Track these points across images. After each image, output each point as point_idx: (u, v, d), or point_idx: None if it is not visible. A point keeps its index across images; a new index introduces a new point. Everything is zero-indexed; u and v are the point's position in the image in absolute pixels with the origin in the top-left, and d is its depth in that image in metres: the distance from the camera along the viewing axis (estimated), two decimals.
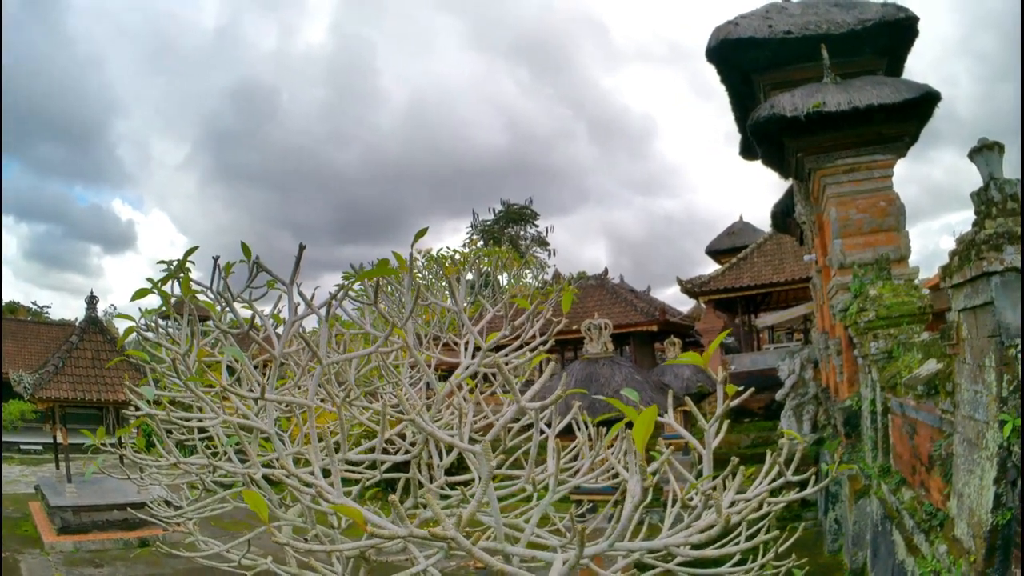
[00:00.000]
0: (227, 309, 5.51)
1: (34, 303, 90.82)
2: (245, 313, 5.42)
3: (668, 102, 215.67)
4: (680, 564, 4.82)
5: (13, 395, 35.69)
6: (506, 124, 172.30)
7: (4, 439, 43.69)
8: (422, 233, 5.39)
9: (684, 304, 54.49)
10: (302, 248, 4.97)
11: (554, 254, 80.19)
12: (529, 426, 5.74)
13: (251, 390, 5.40)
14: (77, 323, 59.46)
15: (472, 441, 5.05)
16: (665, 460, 4.19)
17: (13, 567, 23.74)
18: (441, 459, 6.25)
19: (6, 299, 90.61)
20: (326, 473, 4.84)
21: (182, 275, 5.57)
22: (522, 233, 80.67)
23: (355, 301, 5.93)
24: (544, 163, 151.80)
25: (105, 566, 24.22)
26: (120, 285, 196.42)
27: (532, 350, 5.87)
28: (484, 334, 5.32)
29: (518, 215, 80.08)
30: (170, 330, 6.26)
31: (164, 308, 6.01)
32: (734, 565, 5.10)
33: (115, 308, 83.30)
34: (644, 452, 3.58)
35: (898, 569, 12.06)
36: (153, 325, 6.35)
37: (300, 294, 5.24)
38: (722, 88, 23.00)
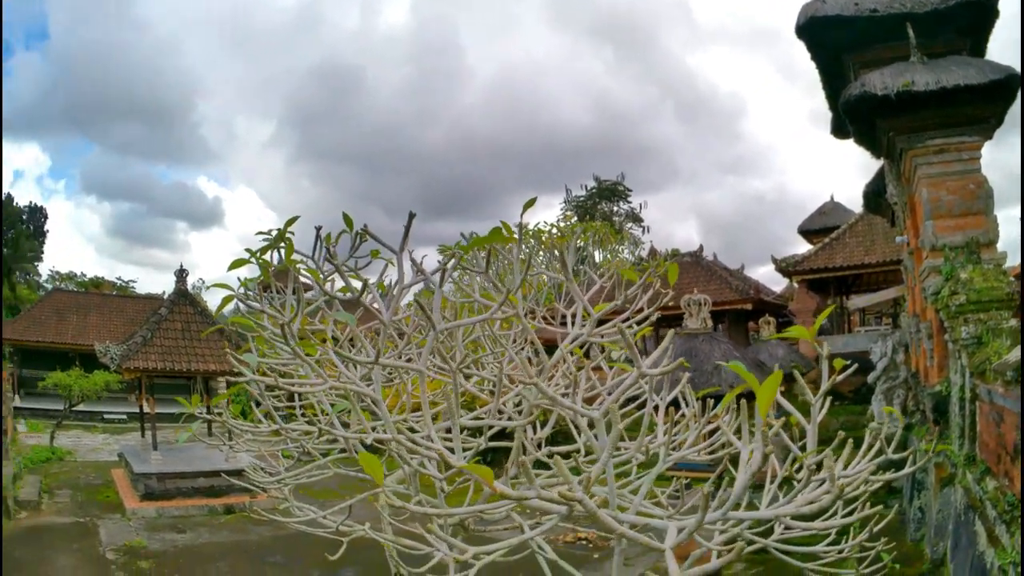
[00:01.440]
0: (333, 277, 5.58)
1: (119, 278, 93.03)
2: (349, 284, 5.47)
3: (754, 82, 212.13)
4: (777, 540, 4.84)
5: (97, 365, 36.80)
6: (593, 102, 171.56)
7: (88, 409, 44.92)
8: (531, 203, 5.46)
9: (776, 284, 54.39)
10: (412, 216, 5.06)
11: (648, 230, 79.72)
12: (630, 400, 5.74)
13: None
14: (164, 296, 60.92)
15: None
16: (776, 430, 4.18)
17: (92, 531, 24.23)
18: (535, 432, 6.26)
19: (90, 274, 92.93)
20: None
21: (283, 244, 5.53)
22: (615, 209, 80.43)
23: (467, 269, 5.93)
24: (633, 141, 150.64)
25: (188, 531, 24.58)
26: (207, 260, 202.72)
27: (639, 322, 5.79)
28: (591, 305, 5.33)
29: (611, 191, 79.86)
30: (270, 299, 6.29)
31: (262, 278, 6.14)
32: (828, 545, 5.12)
33: (203, 282, 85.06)
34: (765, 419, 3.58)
35: (978, 560, 11.80)
36: (252, 294, 6.39)
37: (412, 260, 5.41)
38: (809, 68, 22.71)
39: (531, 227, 65.48)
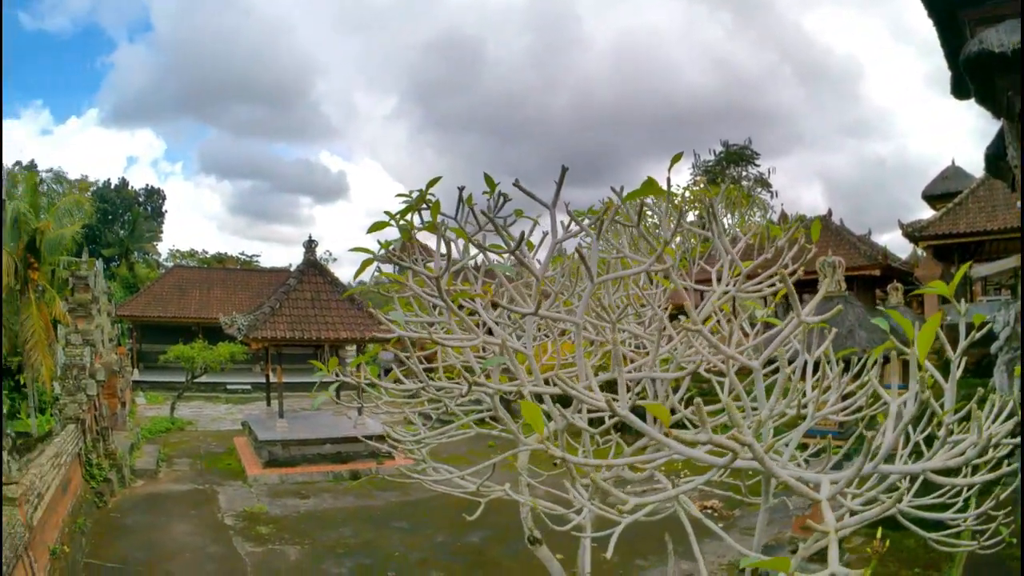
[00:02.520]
0: (475, 236, 5.68)
1: (242, 253, 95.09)
2: (505, 238, 5.43)
3: (868, 44, 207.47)
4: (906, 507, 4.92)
5: (221, 337, 37.73)
6: (714, 67, 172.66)
7: (210, 380, 45.98)
8: (678, 158, 5.37)
9: (900, 252, 53.34)
10: (564, 170, 4.99)
11: (776, 195, 78.53)
12: (770, 361, 5.55)
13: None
14: (290, 269, 61.78)
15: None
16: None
17: (211, 497, 24.78)
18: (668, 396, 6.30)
19: (212, 251, 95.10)
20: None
21: (425, 206, 5.60)
22: (743, 174, 79.43)
23: (621, 224, 6.26)
24: (755, 106, 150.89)
25: (311, 497, 24.89)
26: (333, 233, 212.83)
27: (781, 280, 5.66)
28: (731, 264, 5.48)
29: (738, 156, 79.11)
30: (415, 259, 6.25)
31: (402, 241, 6.11)
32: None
33: (330, 254, 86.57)
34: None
35: None
36: (396, 255, 6.35)
37: (570, 214, 5.40)
38: (921, 29, 22.10)
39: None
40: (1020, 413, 4.84)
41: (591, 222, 5.59)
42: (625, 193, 5.15)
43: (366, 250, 6.12)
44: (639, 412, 4.08)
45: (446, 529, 20.84)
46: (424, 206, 5.65)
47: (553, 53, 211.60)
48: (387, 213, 5.80)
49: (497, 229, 5.38)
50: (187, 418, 40.82)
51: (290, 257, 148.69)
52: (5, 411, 35.62)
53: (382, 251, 6.32)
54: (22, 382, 50.17)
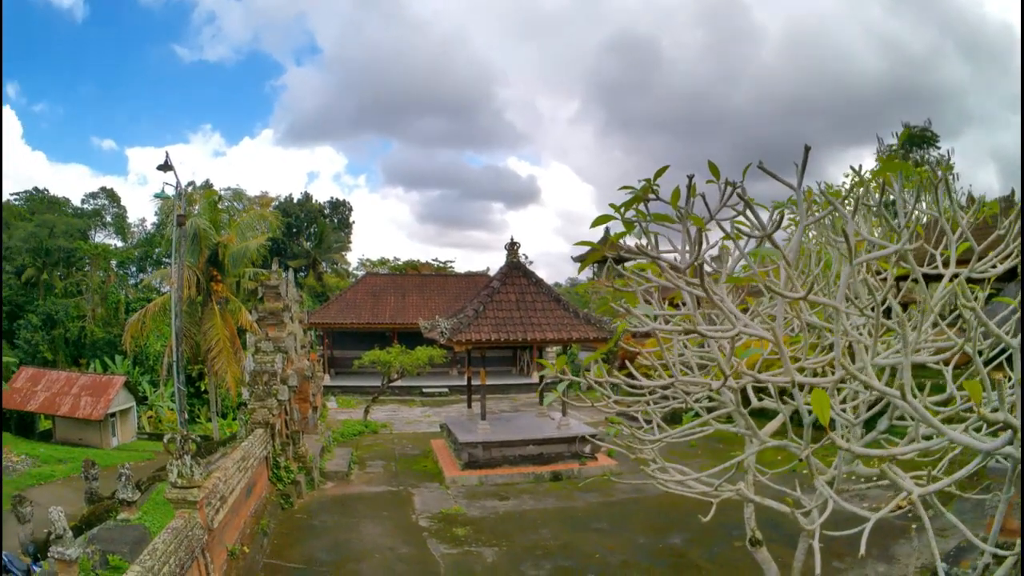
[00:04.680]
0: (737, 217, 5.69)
1: (435, 259, 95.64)
2: (758, 217, 5.55)
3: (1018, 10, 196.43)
4: None
5: (417, 342, 37.13)
6: (880, 48, 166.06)
7: (405, 384, 45.61)
8: (907, 132, 5.26)
9: None
10: (807, 149, 5.05)
11: (958, 177, 74.41)
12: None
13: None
14: (487, 273, 61.27)
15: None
16: None
17: (405, 499, 24.20)
18: None
19: (405, 257, 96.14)
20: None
21: (651, 196, 5.66)
22: (925, 156, 75.18)
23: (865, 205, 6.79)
24: (923, 86, 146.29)
25: (510, 499, 24.03)
26: (527, 236, 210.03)
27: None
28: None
29: (920, 138, 74.71)
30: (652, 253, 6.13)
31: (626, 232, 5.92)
32: None
33: (526, 257, 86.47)
34: None
35: None
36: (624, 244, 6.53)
37: (823, 193, 5.95)
38: None
39: (849, 181, 63.25)
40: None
41: (833, 207, 5.73)
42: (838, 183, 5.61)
43: (590, 243, 6.18)
44: None
45: (647, 531, 19.86)
46: (650, 197, 5.68)
47: (727, 45, 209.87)
48: (612, 206, 5.75)
49: (750, 207, 5.43)
50: (381, 421, 40.54)
51: (486, 262, 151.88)
52: (187, 416, 35.97)
53: (609, 245, 6.48)
54: (203, 388, 51.56)
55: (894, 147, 75.37)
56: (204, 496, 14.65)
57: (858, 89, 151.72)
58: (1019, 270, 6.71)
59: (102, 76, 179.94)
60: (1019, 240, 5.93)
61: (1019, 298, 6.50)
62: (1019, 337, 5.56)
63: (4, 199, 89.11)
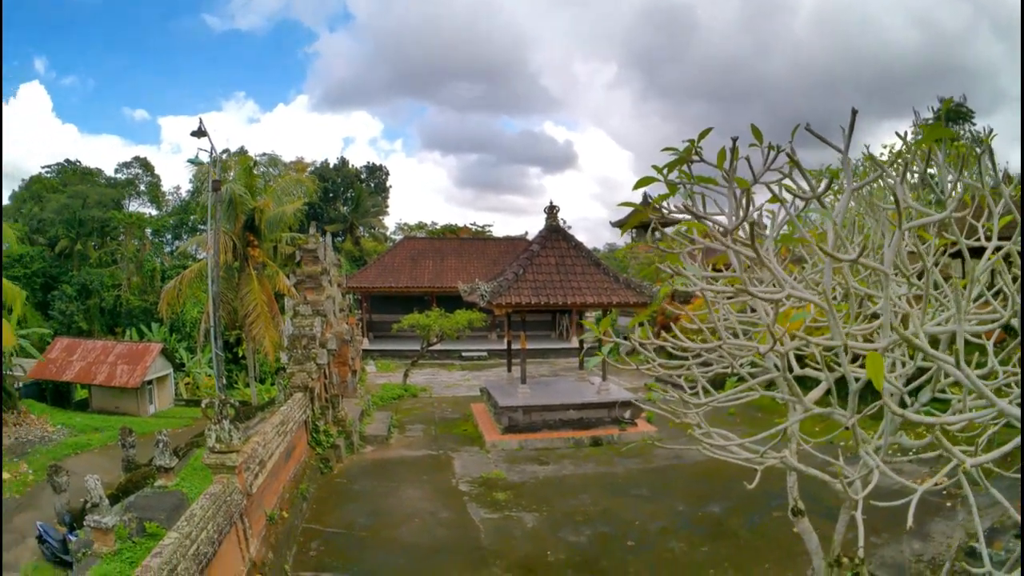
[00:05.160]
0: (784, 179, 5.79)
1: (473, 223, 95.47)
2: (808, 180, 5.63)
3: None
4: None
5: (456, 305, 37.43)
6: (913, 23, 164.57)
7: (444, 348, 45.54)
8: (948, 104, 9.94)
9: None
10: (855, 113, 4.96)
11: (993, 154, 73.48)
12: None
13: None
14: (526, 237, 60.92)
15: None
16: None
17: (445, 463, 24.16)
18: None
19: (443, 221, 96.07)
20: None
21: (695, 158, 5.61)
22: (961, 132, 74.21)
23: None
24: (957, 63, 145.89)
25: (550, 463, 23.86)
26: (564, 201, 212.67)
27: None
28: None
29: (956, 113, 73.59)
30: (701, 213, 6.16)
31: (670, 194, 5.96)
32: None
33: (564, 221, 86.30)
34: None
35: None
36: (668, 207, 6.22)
37: (871, 156, 5.71)
38: None
39: (884, 153, 63.05)
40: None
41: (881, 171, 5.63)
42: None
43: (632, 204, 6.21)
44: None
45: (687, 498, 19.66)
46: (694, 159, 5.63)
47: (761, 18, 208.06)
48: (655, 168, 5.70)
49: (799, 169, 5.48)
50: (420, 385, 40.44)
51: (523, 226, 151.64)
52: (225, 382, 36.09)
53: (653, 206, 6.24)
54: (240, 354, 51.76)
55: (929, 121, 74.77)
56: (243, 461, 14.53)
57: (890, 63, 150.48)
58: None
59: (132, 48, 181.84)
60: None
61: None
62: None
63: (36, 172, 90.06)
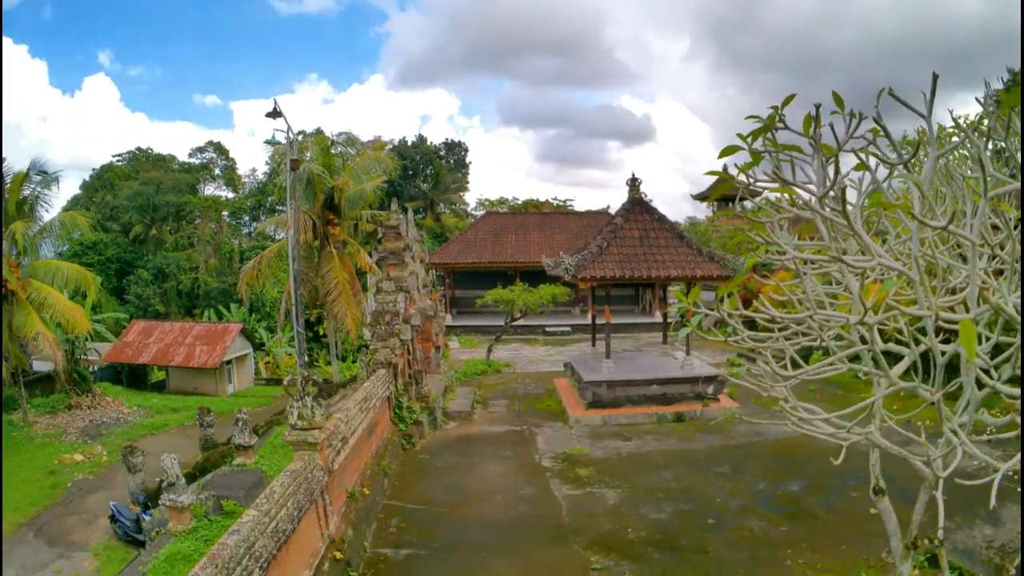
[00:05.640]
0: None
1: (555, 198, 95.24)
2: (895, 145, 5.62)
3: None
4: None
5: (540, 280, 37.36)
6: None
7: (527, 323, 45.46)
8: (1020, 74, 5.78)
9: None
10: (936, 77, 4.98)
11: None
12: None
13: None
14: (608, 211, 60.57)
15: None
16: None
17: (528, 439, 24.12)
18: None
19: (524, 196, 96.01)
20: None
21: (779, 125, 5.61)
22: None
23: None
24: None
25: (633, 439, 23.65)
26: (643, 175, 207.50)
27: None
28: None
29: None
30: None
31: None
32: None
33: (645, 195, 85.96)
34: None
35: None
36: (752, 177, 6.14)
37: (957, 123, 6.31)
38: None
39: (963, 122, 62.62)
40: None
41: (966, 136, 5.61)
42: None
43: (719, 173, 6.08)
44: None
45: (766, 476, 19.36)
46: (778, 127, 5.62)
47: None
48: (739, 136, 5.69)
49: (887, 133, 5.42)
50: (504, 360, 40.47)
51: (604, 200, 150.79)
52: (307, 359, 36.43)
53: (740, 175, 6.11)
54: (321, 333, 52.21)
55: (1000, 91, 73.18)
56: (325, 437, 14.61)
57: (959, 32, 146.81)
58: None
59: (198, 37, 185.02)
60: None
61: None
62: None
63: (107, 161, 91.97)
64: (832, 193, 5.93)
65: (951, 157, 7.29)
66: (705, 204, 71.67)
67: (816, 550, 14.31)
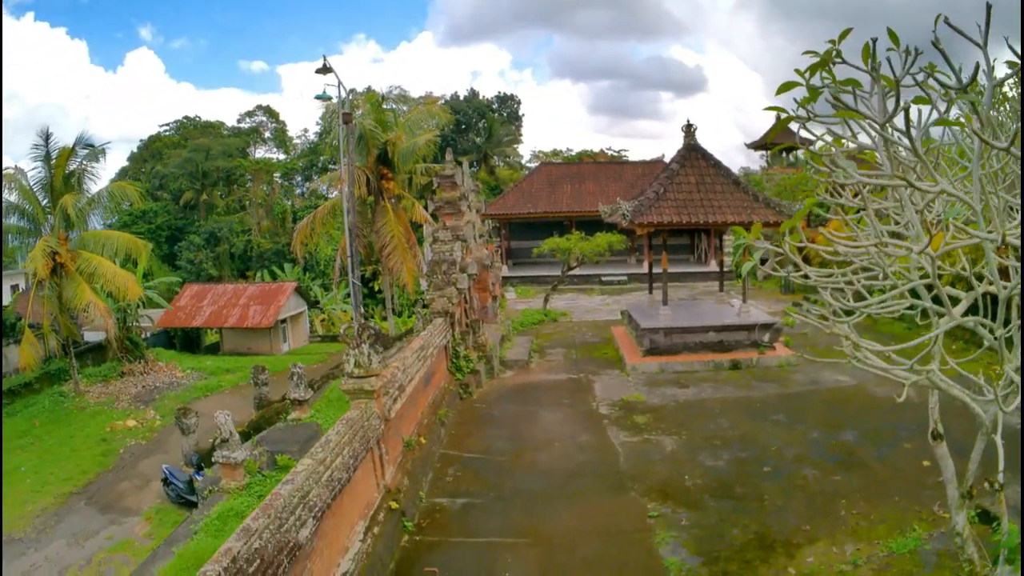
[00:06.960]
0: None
1: (609, 148, 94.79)
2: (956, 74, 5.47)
3: None
4: None
5: (596, 229, 37.31)
6: None
7: (583, 273, 45.32)
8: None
9: None
10: (989, 7, 4.92)
11: None
12: None
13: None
14: (663, 159, 60.06)
15: None
16: None
17: (586, 387, 24.14)
18: None
19: (578, 148, 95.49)
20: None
21: (836, 60, 5.59)
22: None
23: None
24: None
25: (690, 387, 23.59)
26: (697, 124, 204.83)
27: None
28: None
29: None
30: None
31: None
32: None
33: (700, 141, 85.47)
34: None
35: None
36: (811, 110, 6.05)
37: (1011, 48, 5.50)
38: None
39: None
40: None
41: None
42: None
43: (779, 108, 5.98)
44: None
45: (821, 425, 19.08)
46: (836, 61, 5.61)
47: None
48: (796, 71, 5.71)
49: (949, 62, 5.37)
50: (560, 310, 40.37)
51: (657, 151, 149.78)
52: (363, 312, 36.72)
53: (799, 109, 6.01)
54: (376, 288, 52.46)
55: None
56: (382, 385, 14.56)
57: None
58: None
59: (241, 4, 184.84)
60: None
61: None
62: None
63: (154, 131, 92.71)
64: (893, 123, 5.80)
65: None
66: (759, 155, 70.63)
67: (869, 501, 14.17)
